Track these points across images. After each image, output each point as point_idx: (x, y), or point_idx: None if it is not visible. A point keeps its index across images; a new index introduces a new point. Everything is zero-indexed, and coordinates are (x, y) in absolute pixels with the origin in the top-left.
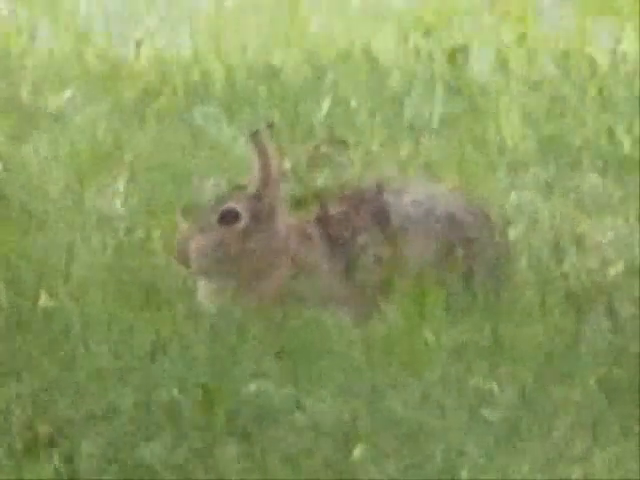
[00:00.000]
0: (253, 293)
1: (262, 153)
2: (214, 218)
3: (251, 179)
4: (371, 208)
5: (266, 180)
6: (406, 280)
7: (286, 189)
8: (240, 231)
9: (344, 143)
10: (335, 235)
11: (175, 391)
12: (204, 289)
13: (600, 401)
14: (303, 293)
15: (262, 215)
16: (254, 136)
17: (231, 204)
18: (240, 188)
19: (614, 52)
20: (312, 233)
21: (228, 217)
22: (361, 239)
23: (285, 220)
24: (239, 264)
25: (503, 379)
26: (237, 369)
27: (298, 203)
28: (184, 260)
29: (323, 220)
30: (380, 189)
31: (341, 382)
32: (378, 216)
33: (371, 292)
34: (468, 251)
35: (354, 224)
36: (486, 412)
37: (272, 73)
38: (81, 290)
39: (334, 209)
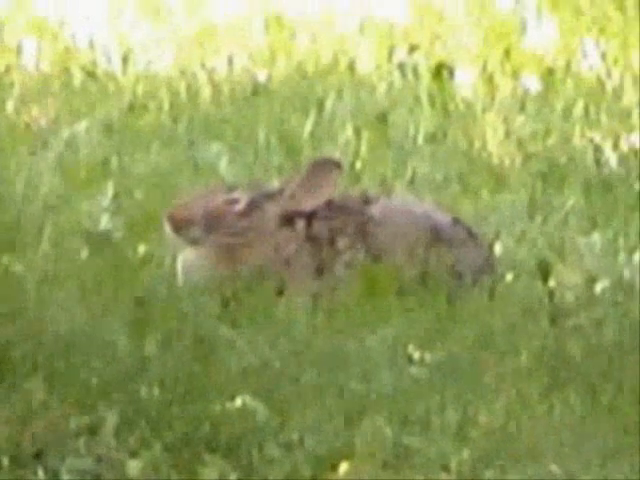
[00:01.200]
0: (232, 264)
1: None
2: (218, 196)
3: (282, 188)
4: (355, 218)
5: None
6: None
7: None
8: (236, 211)
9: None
10: (317, 234)
11: (159, 406)
12: (186, 254)
13: (585, 415)
14: (274, 275)
15: (257, 204)
16: (319, 161)
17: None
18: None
19: (599, 69)
20: (297, 228)
21: (229, 201)
22: (341, 242)
23: (277, 212)
24: (227, 238)
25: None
26: (221, 384)
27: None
28: (177, 223)
29: (309, 220)
30: (366, 201)
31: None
32: (361, 226)
33: (337, 293)
34: (453, 266)
35: (337, 227)
36: None
37: (257, 89)
38: (65, 306)
39: (321, 212)
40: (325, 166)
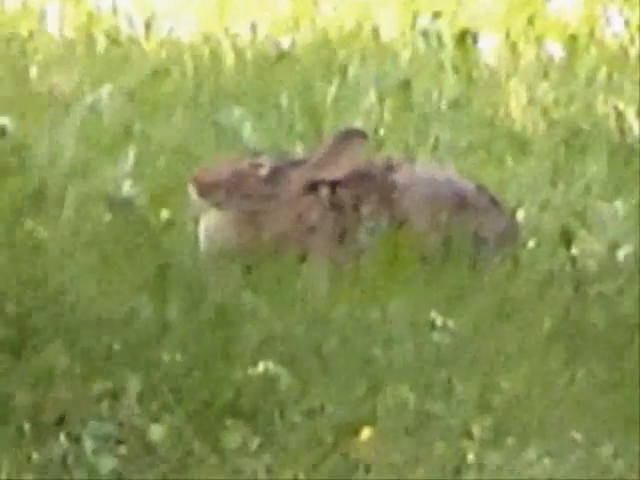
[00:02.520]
0: (255, 231)
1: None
2: (244, 161)
3: (307, 157)
4: (379, 185)
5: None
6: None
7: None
8: (260, 176)
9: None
10: (341, 201)
11: (181, 372)
12: (209, 221)
13: (606, 383)
14: (297, 242)
15: (281, 171)
16: (346, 131)
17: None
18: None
19: (623, 36)
20: (321, 196)
21: (255, 165)
22: (364, 209)
23: (301, 181)
24: (251, 203)
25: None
26: (243, 350)
27: None
28: (202, 187)
29: (332, 187)
30: (389, 169)
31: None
32: (385, 193)
33: (360, 260)
34: (476, 233)
35: (361, 195)
36: None
37: (281, 55)
38: (88, 271)
39: (345, 179)
40: (350, 136)
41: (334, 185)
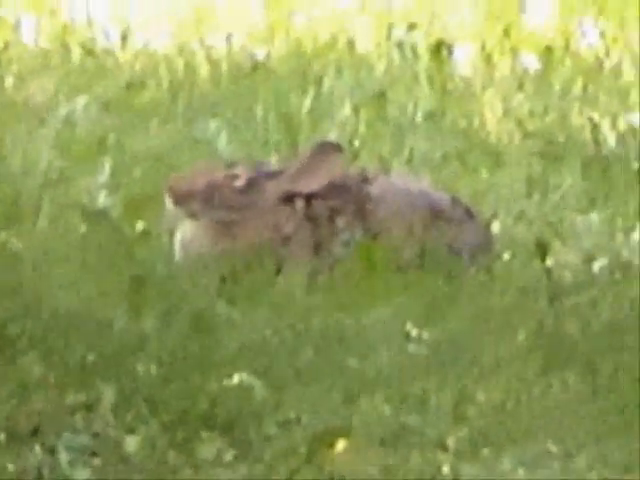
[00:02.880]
0: (231, 241)
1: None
2: (219, 171)
3: (282, 169)
4: (354, 197)
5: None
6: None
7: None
8: (236, 187)
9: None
10: (316, 213)
11: (156, 383)
12: (185, 231)
13: (582, 394)
14: (273, 253)
15: (257, 182)
16: (322, 144)
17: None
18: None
19: (598, 48)
20: (297, 207)
21: (230, 176)
22: (339, 221)
23: (276, 192)
24: (227, 214)
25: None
26: (219, 361)
27: None
28: (178, 196)
29: (308, 199)
30: (364, 180)
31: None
32: (360, 205)
33: (335, 272)
34: (451, 245)
35: (336, 206)
36: None
37: (256, 66)
38: (63, 282)
39: (320, 191)
40: (326, 150)
41: (309, 197)
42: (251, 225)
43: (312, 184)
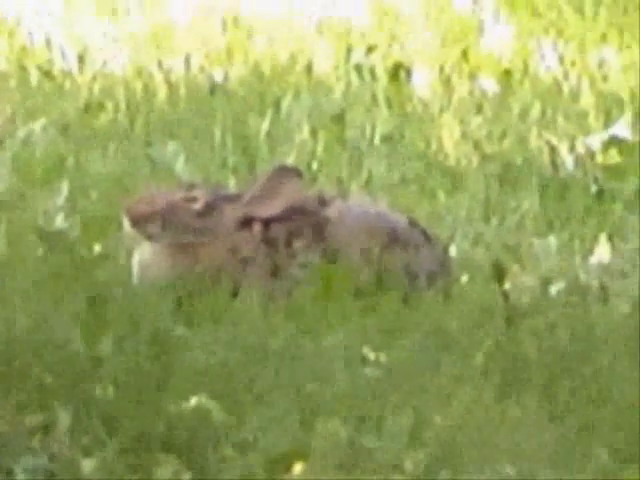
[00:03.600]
0: (189, 263)
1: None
2: (177, 193)
3: (241, 193)
4: (312, 219)
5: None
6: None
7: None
8: (194, 210)
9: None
10: (274, 236)
11: (113, 405)
12: (142, 253)
13: (540, 417)
14: (230, 276)
15: (215, 206)
16: (281, 168)
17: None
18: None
19: (557, 71)
20: (255, 231)
21: (188, 198)
22: (297, 244)
23: (235, 216)
24: (185, 236)
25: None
26: (176, 383)
27: None
28: (136, 218)
29: (266, 223)
30: (322, 203)
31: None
32: (318, 228)
33: (292, 294)
34: (408, 268)
35: (293, 230)
36: None
37: (214, 88)
38: (19, 304)
39: (278, 214)
40: (285, 174)
41: (267, 220)
42: (209, 248)
43: (270, 209)
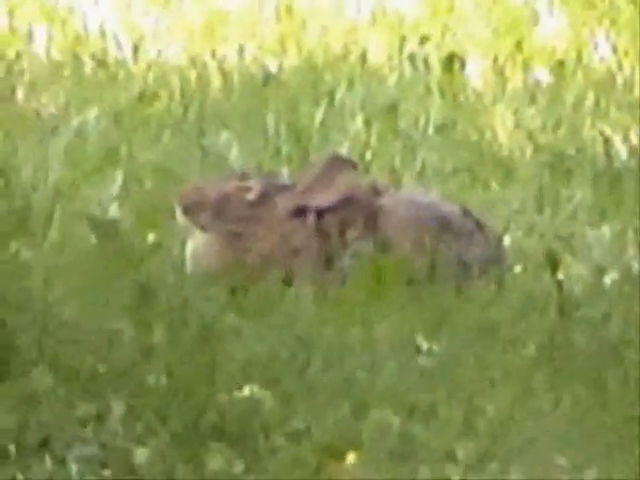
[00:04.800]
0: (241, 253)
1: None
2: (231, 183)
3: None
4: (364, 210)
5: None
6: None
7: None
8: (247, 200)
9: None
10: (327, 226)
11: (166, 394)
12: (195, 243)
13: (591, 408)
14: (283, 266)
15: (268, 195)
16: (335, 158)
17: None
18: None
19: (610, 61)
20: (308, 221)
21: (242, 188)
22: (350, 234)
23: (287, 206)
24: (237, 226)
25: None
26: (228, 373)
27: None
28: (188, 207)
29: (319, 213)
30: (375, 193)
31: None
32: (370, 218)
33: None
34: (461, 257)
35: (346, 220)
36: None
37: (268, 78)
38: (73, 293)
39: (331, 205)
40: (339, 164)
41: (320, 210)
42: (261, 238)
43: (324, 199)
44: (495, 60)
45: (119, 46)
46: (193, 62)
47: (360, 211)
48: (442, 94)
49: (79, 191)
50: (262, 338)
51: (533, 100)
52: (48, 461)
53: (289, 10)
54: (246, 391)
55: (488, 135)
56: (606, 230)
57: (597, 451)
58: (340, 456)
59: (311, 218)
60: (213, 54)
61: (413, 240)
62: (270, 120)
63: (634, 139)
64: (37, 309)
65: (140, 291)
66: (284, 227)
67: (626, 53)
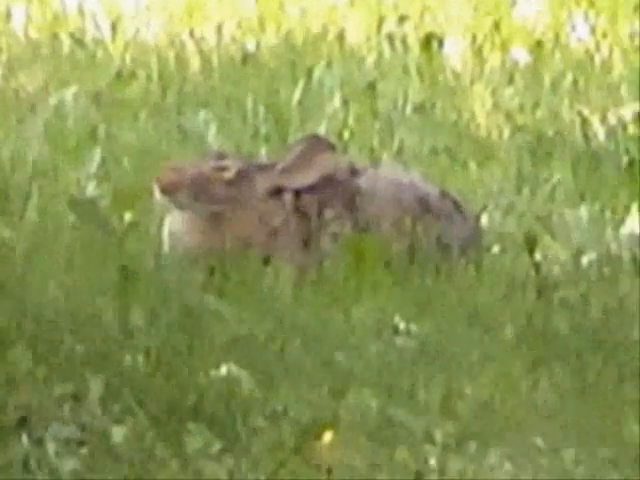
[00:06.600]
0: (219, 233)
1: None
2: (208, 163)
3: (273, 162)
4: (343, 189)
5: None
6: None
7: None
8: (224, 179)
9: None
10: (305, 206)
11: (144, 375)
12: (173, 223)
13: (570, 389)
14: (261, 245)
15: (246, 175)
16: (314, 138)
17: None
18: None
19: (588, 42)
20: (285, 200)
21: (219, 167)
22: (328, 214)
23: (266, 186)
24: (214, 205)
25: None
26: (207, 353)
27: None
28: (166, 186)
29: (297, 193)
30: (353, 173)
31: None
32: (349, 198)
33: (323, 265)
34: (440, 238)
35: (325, 200)
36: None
37: (246, 57)
38: (51, 273)
39: (309, 185)
40: (317, 145)
41: (298, 190)
42: (239, 218)
43: (302, 180)
44: (473, 40)
45: (97, 25)
46: (171, 42)
47: (339, 191)
48: (420, 74)
49: (57, 170)
50: (241, 319)
51: (511, 80)
52: (26, 440)
53: None
54: (225, 371)
55: (466, 115)
56: (584, 211)
57: (575, 433)
58: (318, 437)
59: (288, 198)
60: (191, 34)
61: (392, 220)
62: (248, 100)
63: (612, 120)
64: (15, 290)
65: (119, 271)
66: (262, 207)
67: (604, 34)
